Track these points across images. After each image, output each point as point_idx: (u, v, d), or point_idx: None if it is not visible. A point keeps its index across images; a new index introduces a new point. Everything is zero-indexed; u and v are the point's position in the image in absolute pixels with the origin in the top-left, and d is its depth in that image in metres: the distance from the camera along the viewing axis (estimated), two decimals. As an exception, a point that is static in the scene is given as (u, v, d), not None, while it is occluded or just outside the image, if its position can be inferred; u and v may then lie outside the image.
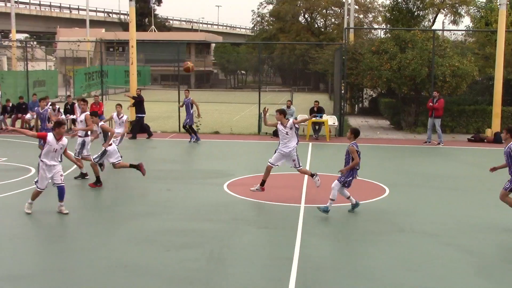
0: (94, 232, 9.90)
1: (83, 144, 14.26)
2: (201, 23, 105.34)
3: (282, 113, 12.47)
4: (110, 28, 74.29)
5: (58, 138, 10.77)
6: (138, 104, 21.78)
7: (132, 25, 24.06)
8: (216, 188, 13.25)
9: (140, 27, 69.69)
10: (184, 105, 21.32)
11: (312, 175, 12.56)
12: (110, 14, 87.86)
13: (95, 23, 72.21)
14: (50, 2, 79.73)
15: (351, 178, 10.99)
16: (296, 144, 12.41)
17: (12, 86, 28.56)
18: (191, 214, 11.11)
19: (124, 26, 73.32)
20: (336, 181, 10.95)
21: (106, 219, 10.75)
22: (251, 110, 33.12)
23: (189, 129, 21.10)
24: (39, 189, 10.83)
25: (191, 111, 21.08)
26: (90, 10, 61.90)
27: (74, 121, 23.03)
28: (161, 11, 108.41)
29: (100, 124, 13.53)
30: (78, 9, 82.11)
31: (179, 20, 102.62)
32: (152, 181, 14.03)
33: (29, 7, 73.84)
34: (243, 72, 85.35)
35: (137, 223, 10.41)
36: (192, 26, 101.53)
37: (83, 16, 74.01)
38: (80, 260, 8.46)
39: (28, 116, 23.53)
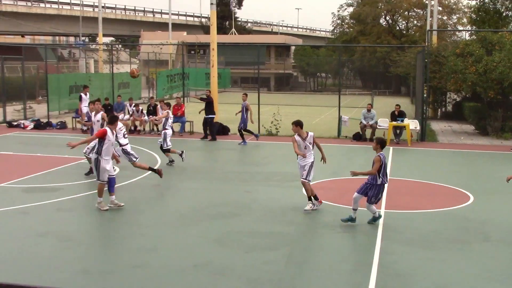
0: (177, 231, 10.15)
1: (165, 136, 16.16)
2: (281, 25, 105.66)
3: (298, 124, 11.79)
4: (192, 31, 75.75)
5: (113, 133, 11.46)
6: (208, 105, 22.10)
7: (213, 28, 24.45)
8: (294, 190, 13.25)
9: (221, 30, 70.73)
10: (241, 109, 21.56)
11: (310, 198, 11.70)
12: (192, 18, 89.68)
13: (177, 27, 73.83)
14: (135, 7, 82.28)
15: (379, 196, 10.45)
16: (313, 160, 11.70)
17: (98, 88, 29.71)
18: (271, 216, 11.17)
19: (205, 29, 74.59)
20: (366, 200, 10.42)
21: (188, 219, 10.97)
22: (330, 113, 32.90)
23: (244, 132, 21.28)
24: (102, 182, 11.27)
25: (245, 116, 21.25)
26: (173, 14, 63.41)
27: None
28: (241, 14, 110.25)
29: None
30: (161, 12, 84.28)
31: (259, 23, 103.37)
32: (232, 183, 14.23)
33: (115, 12, 76.48)
34: (322, 75, 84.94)
35: (219, 224, 10.59)
36: (272, 29, 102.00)
37: (165, 19, 75.82)
38: (162, 257, 8.69)
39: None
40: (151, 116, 22.96)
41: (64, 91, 27.96)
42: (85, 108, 22.59)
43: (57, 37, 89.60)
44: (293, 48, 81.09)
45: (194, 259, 8.69)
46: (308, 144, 11.63)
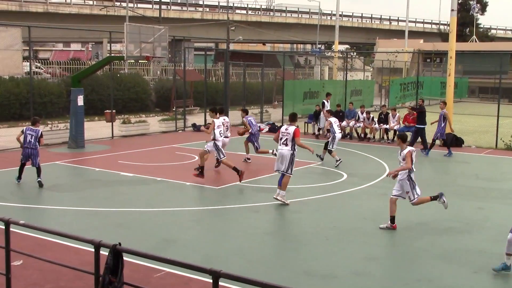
0: (401, 242, 9.86)
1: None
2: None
3: (400, 138, 11.04)
4: (429, 39, 73.51)
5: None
6: (420, 115, 21.12)
7: (452, 36, 23.38)
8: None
9: (460, 37, 67.50)
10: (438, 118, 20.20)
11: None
12: (429, 25, 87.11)
13: (413, 34, 72.31)
14: (372, 14, 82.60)
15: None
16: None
17: (331, 95, 30.22)
18: (506, 236, 10.27)
19: (443, 36, 71.91)
20: None
21: (413, 231, 10.59)
22: None
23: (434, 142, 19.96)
24: (291, 176, 12.36)
25: (442, 124, 19.84)
26: (410, 21, 62.18)
27: (386, 131, 23.38)
28: (483, 20, 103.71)
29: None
30: (397, 20, 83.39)
31: (504, 30, 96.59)
32: (463, 197, 13.43)
33: (352, 20, 77.56)
34: None
35: (446, 239, 10.06)
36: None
37: (402, 27, 74.75)
38: (384, 267, 8.49)
39: (343, 123, 24.60)
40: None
41: (298, 96, 29.02)
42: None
43: (295, 45, 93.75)
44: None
45: (417, 273, 8.35)
46: (401, 160, 10.88)
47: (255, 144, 17.78)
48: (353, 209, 12.31)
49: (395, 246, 9.71)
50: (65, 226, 10.03)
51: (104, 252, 6.16)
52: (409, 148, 10.63)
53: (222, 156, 14.76)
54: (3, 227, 7.05)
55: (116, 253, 6.00)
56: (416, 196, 10.72)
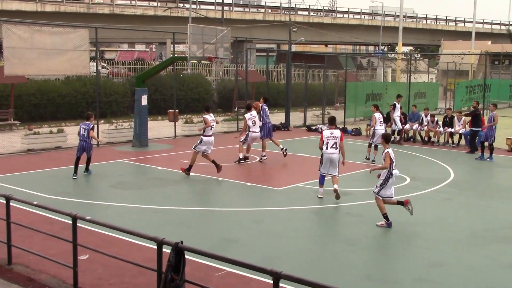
0: (466, 249, 9.60)
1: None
2: None
3: (383, 138, 11.48)
4: (497, 40, 71.37)
5: None
6: (475, 118, 20.49)
7: (523, 37, 22.57)
8: None
9: (530, 38, 65.28)
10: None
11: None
12: (498, 26, 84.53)
13: (480, 35, 70.34)
14: (437, 16, 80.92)
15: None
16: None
17: (393, 98, 29.75)
18: None
19: (513, 38, 69.68)
20: None
21: (480, 238, 10.28)
22: None
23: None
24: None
25: (493, 127, 19.18)
26: (477, 22, 60.51)
27: (451, 134, 22.79)
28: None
29: None
30: (464, 21, 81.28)
31: None
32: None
33: (416, 21, 76.12)
34: None
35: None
36: None
37: (468, 28, 72.87)
38: (448, 275, 8.27)
39: (407, 126, 24.14)
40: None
41: (360, 98, 28.71)
42: (396, 118, 22.75)
43: (357, 46, 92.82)
44: None
45: (483, 282, 8.10)
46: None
47: (267, 135, 18.14)
48: (416, 213, 12.02)
49: (459, 253, 9.44)
50: (128, 223, 10.24)
51: (166, 250, 6.25)
52: (388, 149, 10.93)
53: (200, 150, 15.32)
54: (71, 222, 7.26)
55: (178, 251, 6.08)
56: (378, 191, 10.93)
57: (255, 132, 17.38)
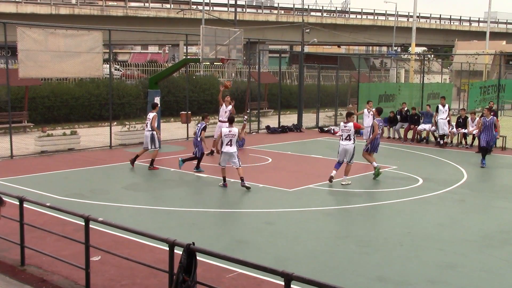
0: (480, 251, 9.53)
1: None
2: None
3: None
4: None
5: None
6: None
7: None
8: None
9: (545, 38, 64.64)
10: None
11: None
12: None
13: (495, 35, 69.86)
14: (450, 16, 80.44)
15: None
16: None
17: (407, 98, 29.62)
18: None
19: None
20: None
21: (493, 240, 10.20)
22: None
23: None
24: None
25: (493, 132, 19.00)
26: (491, 22, 60.09)
27: (465, 135, 22.64)
28: None
29: None
30: (478, 21, 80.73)
31: None
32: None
33: (429, 21, 75.70)
34: None
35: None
36: None
37: (483, 28, 72.43)
38: (461, 276, 8.21)
39: (420, 127, 24.02)
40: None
41: (373, 99, 28.56)
42: (441, 121, 22.30)
43: (370, 47, 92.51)
44: None
45: (498, 285, 8.04)
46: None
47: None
48: (429, 215, 11.99)
49: (473, 254, 9.36)
50: (140, 224, 10.28)
51: (178, 251, 6.27)
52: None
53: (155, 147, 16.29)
54: (83, 224, 7.30)
55: (190, 252, 6.09)
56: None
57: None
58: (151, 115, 16.47)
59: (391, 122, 24.78)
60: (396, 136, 24.64)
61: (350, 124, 14.61)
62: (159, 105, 17.58)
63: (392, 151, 21.14)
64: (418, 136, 23.92)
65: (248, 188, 13.60)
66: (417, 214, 12.06)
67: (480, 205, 12.99)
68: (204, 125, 16.14)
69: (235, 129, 14.00)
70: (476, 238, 10.26)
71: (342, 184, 14.41)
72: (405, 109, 25.02)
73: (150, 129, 16.36)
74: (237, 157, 13.83)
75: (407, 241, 10.00)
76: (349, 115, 15.07)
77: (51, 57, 18.35)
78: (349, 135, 14.49)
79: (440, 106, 22.56)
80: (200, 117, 17.33)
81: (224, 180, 14.06)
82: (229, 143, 13.81)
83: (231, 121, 14.52)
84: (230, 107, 18.91)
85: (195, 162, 16.13)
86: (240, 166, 13.83)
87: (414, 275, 8.39)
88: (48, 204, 8.67)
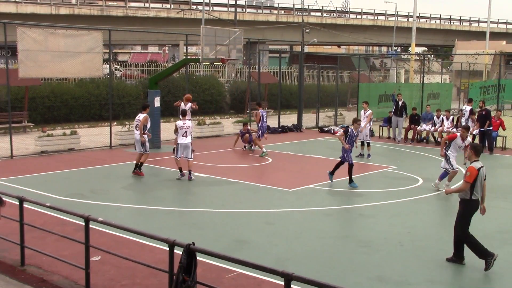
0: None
1: None
2: None
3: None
4: None
5: None
6: (482, 118, 20.51)
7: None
8: None
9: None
10: None
11: None
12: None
13: (495, 35, 69.83)
14: (450, 16, 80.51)
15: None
16: None
17: (407, 98, 29.64)
18: None
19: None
20: None
21: (493, 239, 10.20)
22: None
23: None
24: None
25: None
26: (491, 22, 60.07)
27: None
28: None
29: None
30: (478, 21, 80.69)
31: None
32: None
33: (429, 21, 75.68)
34: None
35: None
36: None
37: (483, 28, 72.36)
38: (459, 276, 8.21)
39: (420, 127, 24.02)
40: None
41: (373, 100, 28.59)
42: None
43: (370, 47, 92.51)
44: None
45: (498, 284, 8.05)
46: None
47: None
48: (429, 215, 12.00)
49: (472, 254, 9.35)
50: (140, 224, 10.28)
51: (178, 251, 6.27)
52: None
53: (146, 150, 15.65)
54: (83, 224, 7.30)
55: (190, 252, 6.09)
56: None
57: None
58: (141, 116, 15.79)
59: (390, 122, 24.73)
60: (391, 135, 24.50)
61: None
62: (149, 106, 17.23)
63: (392, 151, 21.14)
64: (418, 136, 23.91)
65: (191, 180, 14.63)
66: (417, 214, 12.06)
67: (480, 205, 12.97)
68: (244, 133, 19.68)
69: (188, 122, 15.10)
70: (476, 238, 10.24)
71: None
72: (402, 100, 24.38)
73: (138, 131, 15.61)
74: (191, 149, 15.02)
75: (407, 241, 10.00)
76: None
77: (51, 57, 18.34)
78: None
79: (468, 107, 22.34)
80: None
81: (181, 170, 14.88)
82: (184, 135, 14.86)
83: (183, 114, 15.62)
84: (189, 104, 18.62)
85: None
86: (191, 159, 14.96)
87: (414, 275, 8.39)
88: (48, 204, 8.67)
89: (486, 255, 8.47)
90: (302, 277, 5.20)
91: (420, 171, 16.53)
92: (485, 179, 8.97)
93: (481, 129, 20.73)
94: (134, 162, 15.63)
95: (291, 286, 5.29)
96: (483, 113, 20.92)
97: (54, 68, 18.64)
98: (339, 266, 8.76)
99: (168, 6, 55.91)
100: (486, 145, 20.79)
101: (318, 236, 10.18)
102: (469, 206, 8.79)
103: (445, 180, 13.99)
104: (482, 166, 8.86)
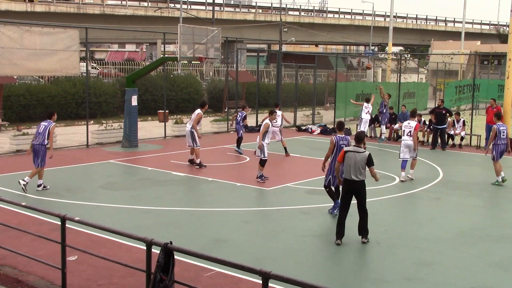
0: (455, 249, 9.65)
1: None
2: None
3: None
4: (486, 41, 71.69)
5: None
6: (439, 115, 21.22)
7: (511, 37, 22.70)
8: None
9: (519, 39, 65.60)
10: None
11: None
12: (487, 26, 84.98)
13: (470, 36, 70.68)
14: (427, 16, 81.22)
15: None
16: None
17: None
18: None
19: (502, 38, 69.90)
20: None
21: (468, 237, 10.34)
22: None
23: None
24: None
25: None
26: (466, 22, 60.77)
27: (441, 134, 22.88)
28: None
29: None
30: (453, 21, 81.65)
31: None
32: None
33: (406, 21, 76.36)
34: None
35: (502, 247, 9.79)
36: None
37: (458, 28, 73.16)
38: (437, 274, 8.32)
39: (396, 126, 24.20)
40: None
41: (350, 98, 28.76)
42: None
43: (347, 46, 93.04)
44: None
45: (472, 281, 8.15)
46: None
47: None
48: (405, 213, 12.13)
49: (448, 252, 9.48)
50: (117, 223, 10.22)
51: (155, 250, 6.25)
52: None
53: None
54: (59, 223, 7.24)
55: (168, 251, 6.07)
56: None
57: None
58: (196, 112, 16.96)
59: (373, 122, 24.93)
60: (373, 135, 24.76)
61: (413, 123, 15.39)
62: (207, 104, 18.40)
63: (368, 150, 21.26)
64: (395, 135, 24.10)
65: None
66: (393, 212, 12.18)
67: (455, 203, 13.14)
68: (244, 114, 19.64)
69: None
70: (451, 236, 10.39)
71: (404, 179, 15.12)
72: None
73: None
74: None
75: (383, 239, 10.09)
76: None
77: (27, 55, 18.12)
78: (410, 132, 15.21)
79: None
80: (240, 107, 20.59)
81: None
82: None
83: None
84: None
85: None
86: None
87: (390, 272, 8.47)
88: (23, 203, 8.57)
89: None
90: (280, 276, 5.22)
91: (396, 169, 16.66)
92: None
93: (436, 126, 21.50)
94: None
95: (269, 284, 5.31)
96: (443, 112, 21.70)
97: (30, 66, 18.42)
98: (316, 264, 8.81)
99: (145, 4, 55.64)
100: (439, 142, 21.78)
101: (295, 235, 10.21)
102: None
103: (408, 168, 15.39)
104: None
